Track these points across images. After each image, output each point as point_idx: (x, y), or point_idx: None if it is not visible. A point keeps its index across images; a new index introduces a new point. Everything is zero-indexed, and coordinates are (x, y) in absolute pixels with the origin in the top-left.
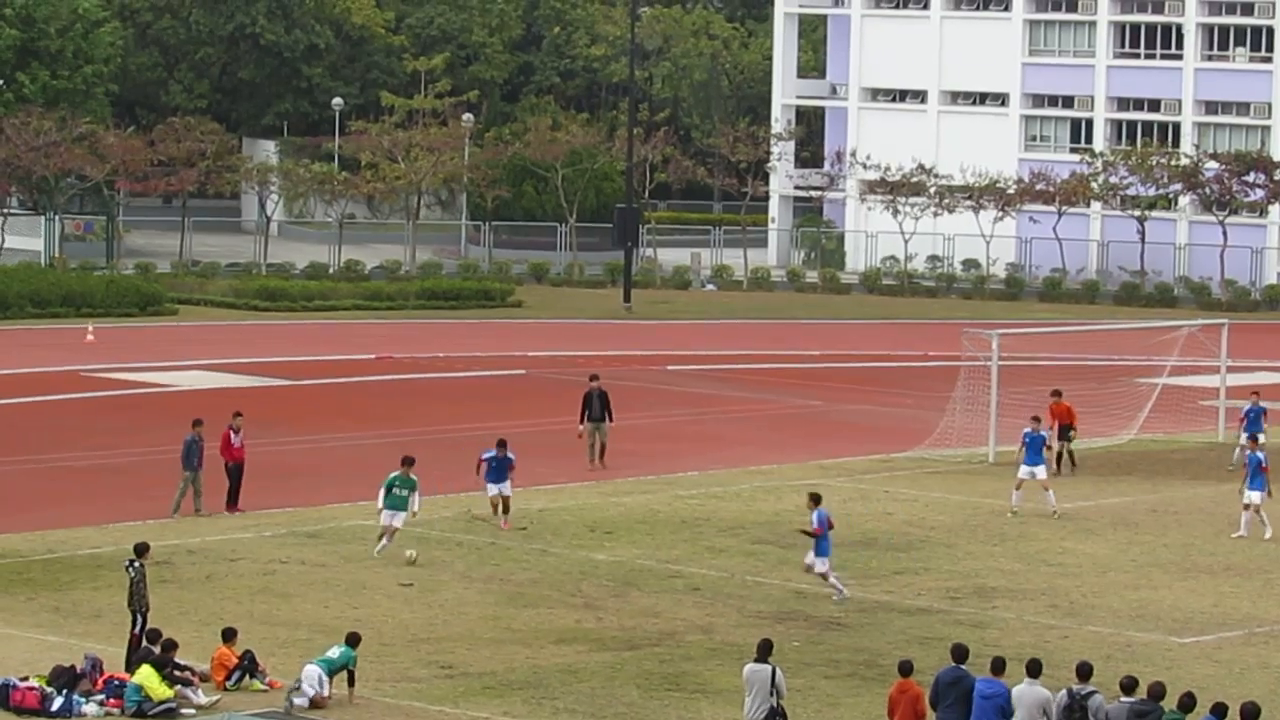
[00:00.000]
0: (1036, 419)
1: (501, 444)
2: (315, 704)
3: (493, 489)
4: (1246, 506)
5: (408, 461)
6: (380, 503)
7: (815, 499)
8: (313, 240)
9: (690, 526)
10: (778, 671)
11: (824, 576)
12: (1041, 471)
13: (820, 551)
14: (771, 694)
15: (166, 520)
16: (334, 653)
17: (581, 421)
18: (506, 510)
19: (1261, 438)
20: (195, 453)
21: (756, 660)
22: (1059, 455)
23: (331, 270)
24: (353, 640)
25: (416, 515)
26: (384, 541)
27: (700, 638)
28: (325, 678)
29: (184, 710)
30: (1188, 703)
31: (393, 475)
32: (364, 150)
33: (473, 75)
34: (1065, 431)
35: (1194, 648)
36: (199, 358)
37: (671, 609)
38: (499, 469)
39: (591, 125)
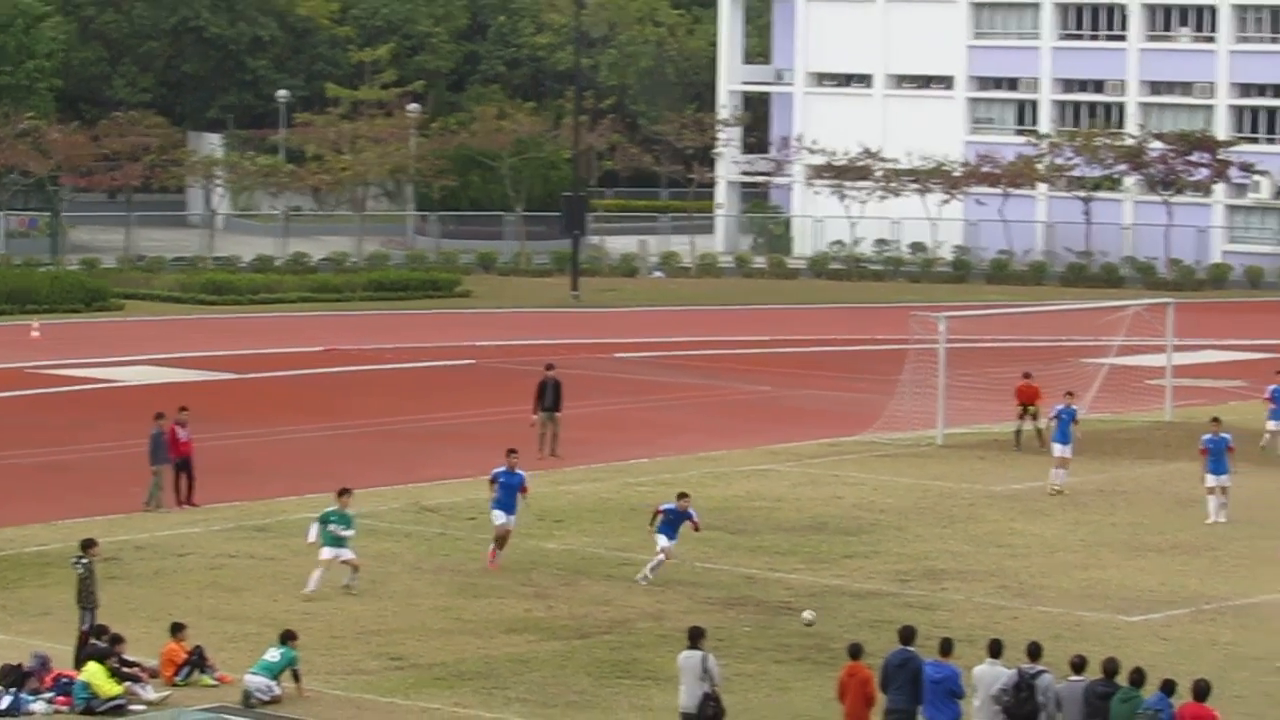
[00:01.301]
0: (1070, 394)
1: (511, 452)
2: (269, 702)
3: (500, 518)
4: (1211, 490)
5: (344, 493)
6: (313, 536)
7: (682, 496)
8: (259, 233)
9: (640, 514)
10: (709, 658)
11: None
12: (1068, 450)
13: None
14: (702, 680)
15: (115, 516)
16: (273, 655)
17: (535, 411)
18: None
19: (1276, 424)
20: (161, 446)
21: (688, 648)
22: (1017, 432)
23: (278, 263)
24: (288, 638)
25: (351, 563)
26: (317, 574)
27: (651, 625)
28: (271, 682)
29: (133, 706)
30: (1137, 679)
31: (327, 510)
32: (310, 142)
33: (418, 65)
34: (1028, 410)
35: (1142, 626)
36: (145, 353)
37: (622, 597)
38: (508, 492)
39: (538, 114)
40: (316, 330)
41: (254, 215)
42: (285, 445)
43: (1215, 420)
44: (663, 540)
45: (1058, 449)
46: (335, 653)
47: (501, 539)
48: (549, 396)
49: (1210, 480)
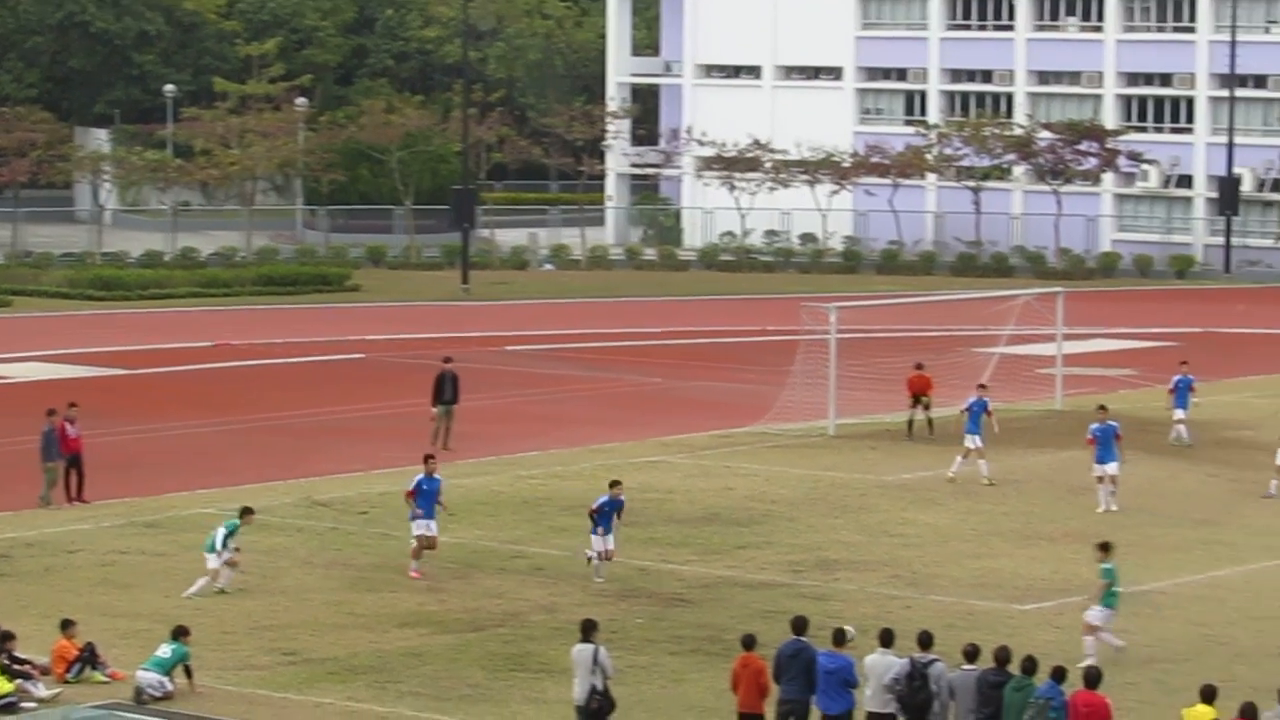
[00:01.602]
0: (983, 385)
1: (429, 458)
2: (161, 698)
3: (421, 527)
4: (1100, 479)
5: (247, 512)
6: (218, 545)
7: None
8: (148, 229)
9: (532, 506)
10: (600, 651)
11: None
12: (978, 440)
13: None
14: (594, 673)
15: (4, 513)
16: (164, 651)
17: (434, 403)
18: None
19: (1183, 413)
20: (53, 442)
21: (582, 640)
22: (909, 422)
23: (167, 258)
24: (180, 633)
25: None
26: (202, 582)
27: (544, 617)
28: (163, 678)
29: (24, 704)
30: (1029, 667)
31: (232, 522)
32: (198, 137)
33: (306, 59)
34: (919, 400)
35: (1035, 614)
36: (34, 349)
37: (515, 589)
38: (429, 499)
39: (426, 107)
40: (206, 325)
41: (142, 211)
42: (176, 441)
43: (1102, 409)
44: (597, 541)
45: (970, 440)
46: (227, 648)
47: (428, 547)
48: (447, 389)
49: (1097, 469)
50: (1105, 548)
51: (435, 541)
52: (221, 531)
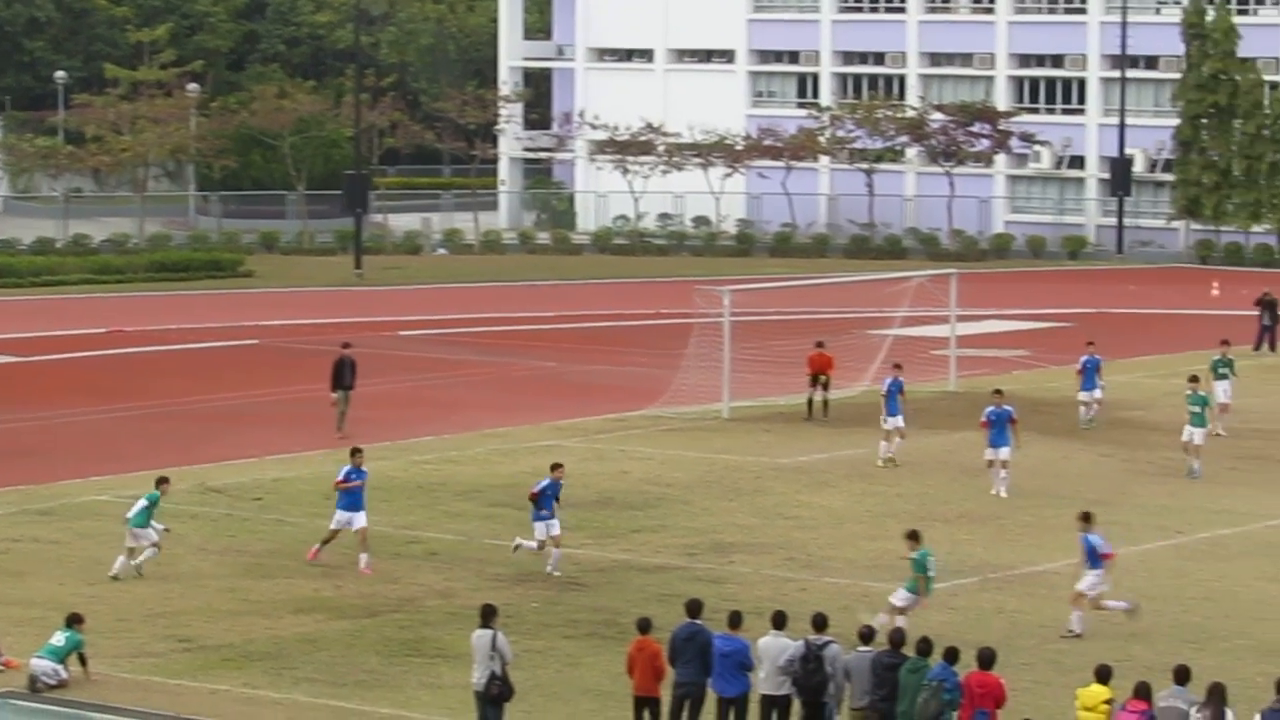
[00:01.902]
0: (898, 365)
1: (356, 451)
2: (56, 686)
3: (345, 519)
4: (991, 463)
5: (163, 481)
6: (149, 519)
7: (556, 463)
8: (39, 215)
9: (427, 491)
10: (499, 636)
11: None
12: (899, 421)
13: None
14: (492, 659)
15: None
16: (58, 640)
17: (332, 389)
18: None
19: (1097, 393)
20: None
21: (480, 626)
22: (809, 402)
23: (59, 245)
24: (74, 621)
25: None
26: (123, 560)
27: (439, 602)
28: (58, 666)
29: None
30: (924, 648)
31: (152, 494)
32: (89, 123)
33: (197, 45)
34: (819, 380)
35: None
36: None
37: (410, 575)
38: (357, 492)
39: (318, 92)
40: (99, 312)
41: (33, 197)
42: (69, 428)
43: (997, 392)
44: (540, 528)
45: (888, 421)
46: (122, 636)
47: (362, 540)
48: (346, 375)
49: (989, 453)
50: (913, 536)
51: (365, 534)
52: (142, 503)
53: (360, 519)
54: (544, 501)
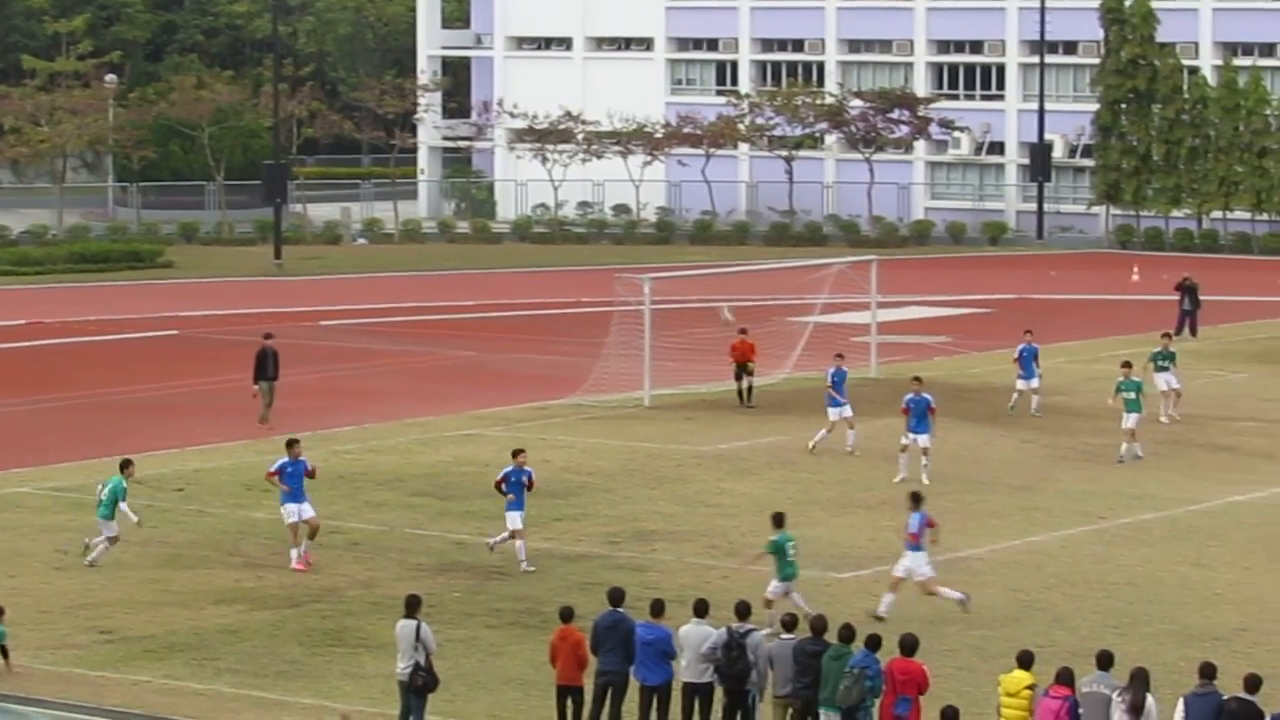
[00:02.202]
0: (840, 355)
1: (293, 443)
2: None
3: (294, 513)
4: (905, 448)
5: (127, 464)
6: (120, 504)
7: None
8: None
9: (348, 481)
10: (423, 626)
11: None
12: (848, 410)
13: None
14: (417, 649)
15: None
16: None
17: (255, 380)
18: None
19: (1035, 382)
20: None
21: (405, 616)
22: (739, 391)
23: None
24: None
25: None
26: (101, 547)
27: (362, 592)
28: None
29: None
30: (846, 635)
31: (115, 480)
32: (6, 115)
33: (115, 36)
34: (744, 368)
35: (852, 582)
36: None
37: (332, 565)
38: (298, 481)
39: (237, 82)
40: (18, 304)
41: None
42: None
43: (916, 379)
44: (513, 519)
45: (834, 412)
46: (44, 627)
47: (311, 533)
48: (269, 366)
49: (907, 438)
50: (777, 521)
51: (315, 526)
52: (106, 491)
53: (308, 510)
54: (512, 489)
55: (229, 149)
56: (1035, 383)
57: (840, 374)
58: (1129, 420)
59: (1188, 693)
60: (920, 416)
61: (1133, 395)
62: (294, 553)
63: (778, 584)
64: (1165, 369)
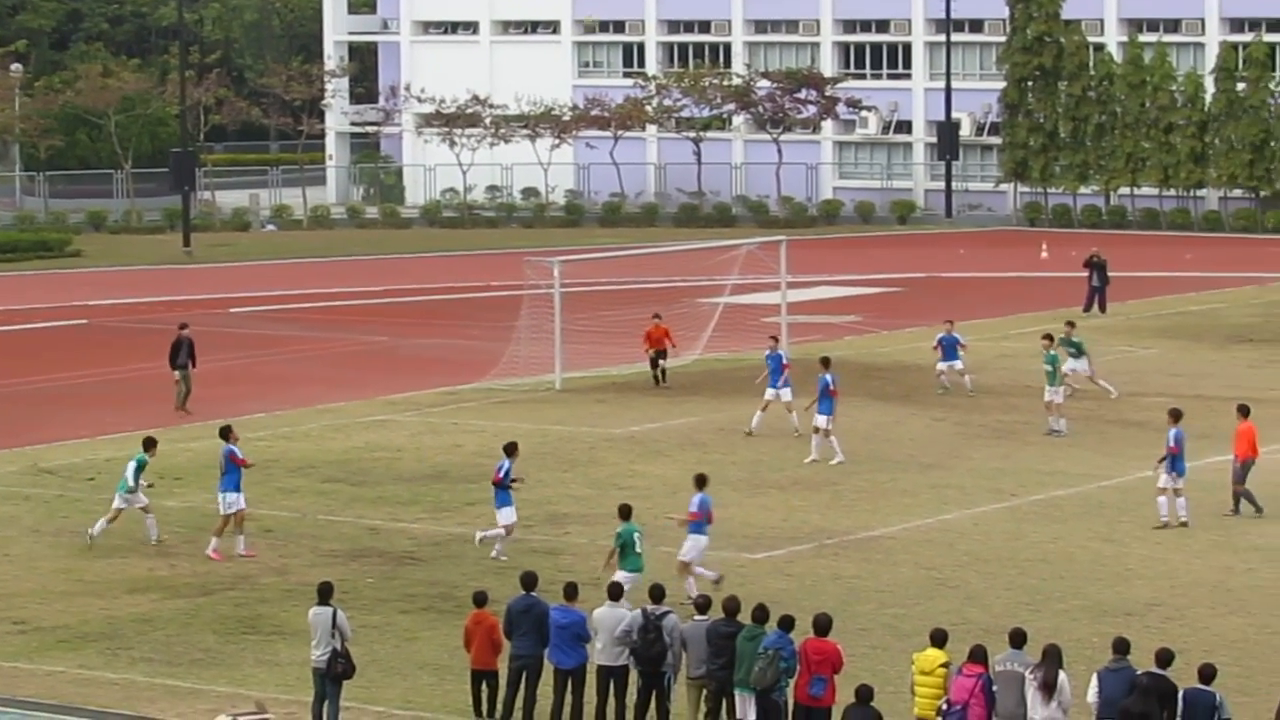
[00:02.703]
0: (774, 338)
1: (227, 430)
2: None
3: (237, 501)
4: (816, 430)
5: (151, 443)
6: (130, 482)
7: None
8: None
9: (260, 468)
10: (339, 613)
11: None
12: (787, 394)
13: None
14: (333, 636)
15: None
16: None
17: (173, 368)
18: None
19: (958, 364)
20: None
21: (319, 603)
22: (655, 375)
23: None
24: None
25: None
26: (102, 524)
27: (275, 579)
28: None
29: None
30: (760, 615)
31: (140, 457)
32: None
33: (20, 25)
34: (660, 354)
35: (765, 563)
36: None
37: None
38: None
39: (143, 70)
40: None
41: None
42: None
43: (824, 360)
44: (504, 515)
45: (771, 393)
46: None
47: (238, 523)
48: (182, 354)
49: (816, 419)
50: (623, 513)
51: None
52: (132, 466)
53: (241, 500)
54: (501, 493)
55: (136, 137)
56: (958, 364)
57: (775, 357)
58: (1048, 393)
59: (1101, 668)
60: (824, 397)
61: (1049, 369)
62: (217, 542)
63: (624, 575)
64: (1075, 356)
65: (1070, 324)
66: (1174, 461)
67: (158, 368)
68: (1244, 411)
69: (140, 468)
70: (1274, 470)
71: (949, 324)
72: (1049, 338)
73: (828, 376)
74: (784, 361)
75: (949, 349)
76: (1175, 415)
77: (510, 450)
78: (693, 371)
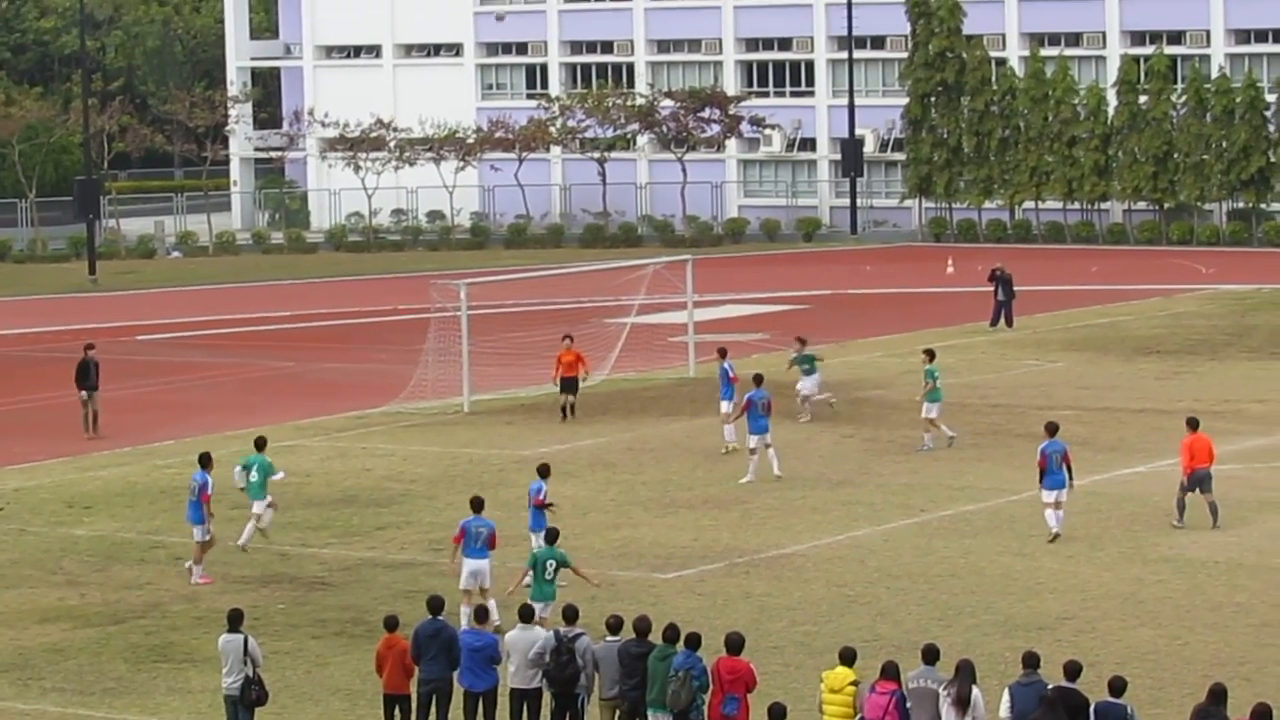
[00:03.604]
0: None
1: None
2: None
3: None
4: (753, 450)
5: (263, 442)
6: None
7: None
8: None
9: (170, 496)
10: (250, 640)
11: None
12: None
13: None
14: (245, 663)
15: None
16: None
17: (80, 390)
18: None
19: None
20: None
21: (229, 631)
22: (562, 407)
23: None
24: None
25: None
26: (250, 528)
27: (185, 607)
28: None
29: None
30: (671, 635)
31: (262, 460)
32: None
33: None
34: (571, 384)
35: (676, 582)
36: None
37: (156, 580)
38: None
39: (46, 98)
40: None
41: None
42: None
43: (756, 378)
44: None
45: (725, 406)
46: None
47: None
48: (89, 376)
49: (751, 440)
50: (550, 536)
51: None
52: (255, 472)
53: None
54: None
55: (40, 165)
56: (814, 383)
57: (723, 370)
58: (924, 408)
59: (1013, 683)
60: (755, 415)
61: (931, 384)
62: (199, 569)
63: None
64: (810, 372)
65: (801, 340)
66: (1043, 475)
67: (64, 396)
68: (1193, 424)
69: (262, 471)
70: (1180, 481)
71: (800, 342)
72: (930, 353)
73: (764, 393)
74: (731, 375)
75: (806, 368)
76: (1051, 429)
77: (544, 472)
78: (600, 392)
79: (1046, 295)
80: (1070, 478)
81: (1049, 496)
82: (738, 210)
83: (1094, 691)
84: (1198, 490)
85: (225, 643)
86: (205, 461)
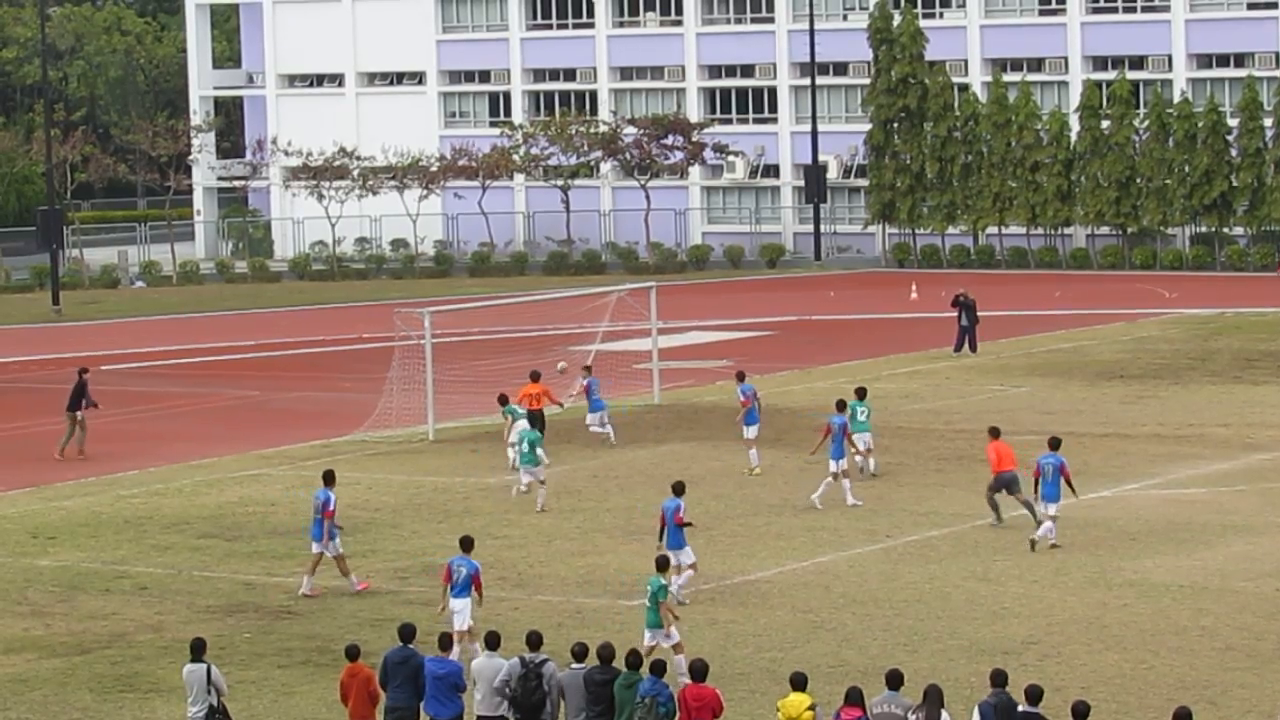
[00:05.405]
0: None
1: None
2: None
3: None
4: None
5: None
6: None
7: None
8: None
9: (134, 525)
10: (213, 670)
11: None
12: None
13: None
14: (209, 692)
15: None
16: None
17: (68, 411)
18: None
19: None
20: None
21: (192, 660)
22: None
23: None
24: None
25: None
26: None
27: (151, 637)
28: None
29: None
30: (635, 661)
31: (533, 435)
32: None
33: None
34: (538, 418)
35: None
36: None
37: (121, 610)
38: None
39: (8, 129)
40: None
41: None
42: None
43: (738, 373)
44: (685, 555)
45: (749, 431)
46: None
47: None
48: (75, 398)
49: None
50: (660, 564)
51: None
52: (525, 443)
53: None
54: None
55: (2, 195)
56: (602, 414)
57: (746, 388)
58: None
59: (981, 701)
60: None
61: (861, 417)
62: (310, 580)
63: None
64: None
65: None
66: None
67: (29, 426)
68: (995, 433)
69: (533, 443)
70: (1144, 505)
71: (740, 376)
72: (861, 391)
73: (839, 418)
74: (755, 397)
75: (590, 392)
76: (1054, 443)
77: (679, 490)
78: (564, 420)
79: (1010, 320)
80: (1072, 490)
81: (1042, 508)
82: (701, 237)
83: (1059, 716)
84: (1005, 491)
85: (189, 672)
86: (329, 479)
